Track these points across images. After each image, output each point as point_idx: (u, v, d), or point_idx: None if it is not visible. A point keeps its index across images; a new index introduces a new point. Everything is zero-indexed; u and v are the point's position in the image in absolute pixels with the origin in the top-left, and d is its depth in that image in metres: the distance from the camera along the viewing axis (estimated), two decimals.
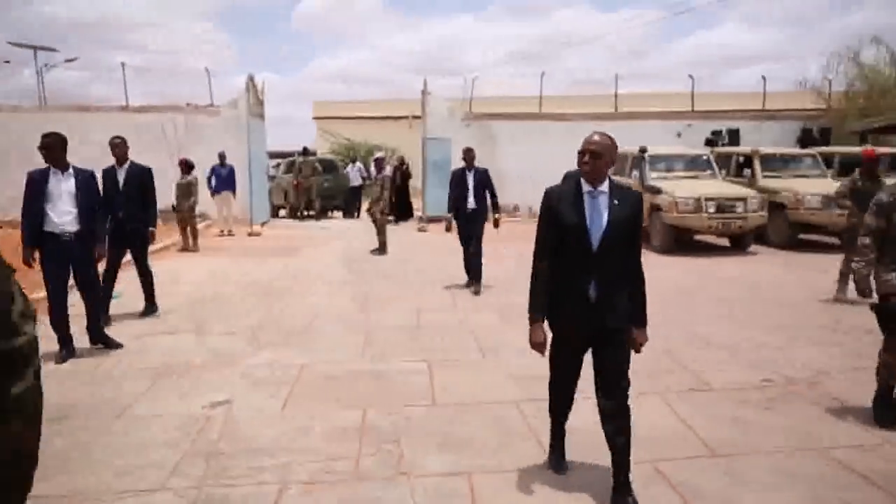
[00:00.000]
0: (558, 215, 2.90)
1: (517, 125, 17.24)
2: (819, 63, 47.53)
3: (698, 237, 11.79)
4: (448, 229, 8.21)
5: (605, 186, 2.91)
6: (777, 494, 3.15)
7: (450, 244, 9.22)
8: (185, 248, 11.36)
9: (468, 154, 8.16)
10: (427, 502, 3.10)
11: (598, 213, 2.86)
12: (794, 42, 68.74)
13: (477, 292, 7.77)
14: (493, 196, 8.12)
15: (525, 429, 3.93)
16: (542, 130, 16.94)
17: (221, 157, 13.63)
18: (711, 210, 11.04)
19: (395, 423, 4.00)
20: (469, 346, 5.72)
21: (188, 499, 3.10)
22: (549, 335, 3.06)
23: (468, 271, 8.09)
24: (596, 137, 2.89)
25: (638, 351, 3.03)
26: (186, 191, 11.42)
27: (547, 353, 3.08)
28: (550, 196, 2.98)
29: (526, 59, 75.92)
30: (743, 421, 4.03)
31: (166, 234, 11.37)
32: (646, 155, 12.41)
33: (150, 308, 6.75)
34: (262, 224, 15.05)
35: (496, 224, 8.10)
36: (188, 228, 11.44)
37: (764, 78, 17.92)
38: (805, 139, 15.89)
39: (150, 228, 6.61)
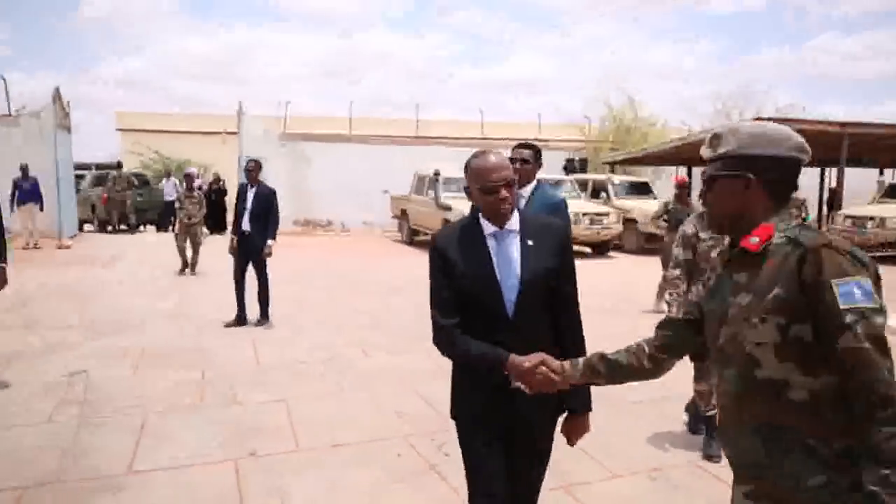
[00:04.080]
0: (454, 270, 2.06)
1: (328, 146, 18.80)
2: (582, 101, 54.99)
3: None
4: (232, 251, 7.16)
5: (514, 223, 2.08)
6: None
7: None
8: None
9: (250, 167, 7.11)
10: (255, 415, 4.51)
11: (508, 263, 2.05)
12: (577, 75, 78.15)
13: (261, 323, 7.14)
14: (271, 221, 7.08)
15: (330, 371, 5.49)
16: (350, 152, 18.67)
17: (24, 169, 13.48)
18: (587, 222, 14.27)
19: (227, 378, 5.32)
20: (282, 323, 7.13)
21: (71, 427, 4.21)
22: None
23: (239, 304, 7.13)
24: (494, 159, 2.04)
25: (571, 444, 2.24)
26: None
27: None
28: (440, 243, 2.11)
29: (328, 74, 77.73)
30: None
31: None
32: (439, 177, 14.60)
33: None
34: (71, 237, 14.94)
35: (268, 253, 7.07)
36: None
37: (539, 115, 21.37)
38: (568, 167, 19.32)
39: None
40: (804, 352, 1.36)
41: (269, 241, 7.06)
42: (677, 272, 3.93)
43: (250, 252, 7.07)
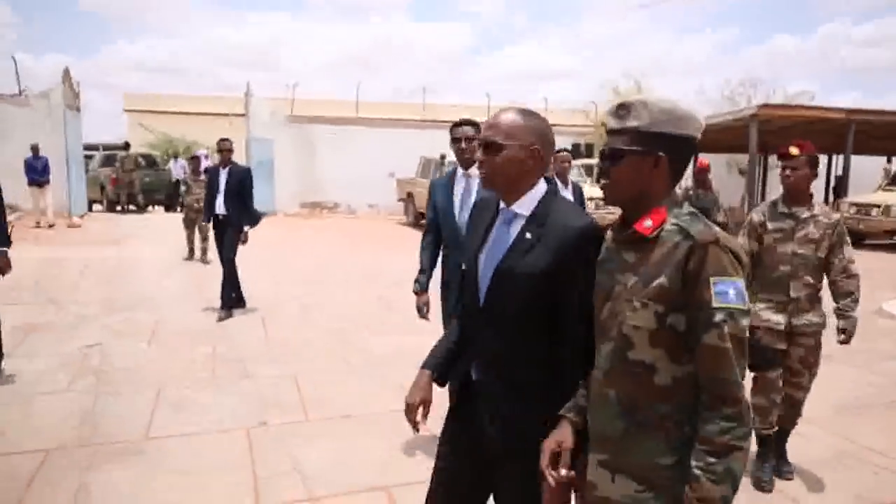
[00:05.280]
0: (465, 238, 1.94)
1: (336, 129, 18.84)
2: (592, 87, 54.78)
3: None
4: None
5: (524, 206, 1.74)
6: None
7: (272, 236, 10.54)
8: None
9: (223, 147, 6.71)
10: (265, 388, 4.65)
11: (498, 248, 1.76)
12: (588, 64, 77.88)
13: (223, 318, 6.53)
14: (247, 203, 6.68)
15: (338, 349, 5.61)
16: (358, 135, 18.71)
17: (34, 149, 13.60)
18: (592, 207, 14.25)
19: (238, 353, 5.46)
20: (292, 304, 7.25)
21: (89, 396, 4.36)
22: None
23: (235, 287, 6.89)
24: (503, 117, 1.73)
25: None
26: None
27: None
28: (480, 202, 1.95)
29: (346, 61, 77.70)
30: None
31: None
32: (445, 161, 14.66)
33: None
34: (81, 216, 15.10)
35: (244, 240, 6.69)
36: None
37: (546, 99, 21.34)
38: (574, 152, 19.31)
39: None
40: (675, 340, 1.39)
41: (246, 228, 6.67)
42: None
43: (224, 237, 6.71)
